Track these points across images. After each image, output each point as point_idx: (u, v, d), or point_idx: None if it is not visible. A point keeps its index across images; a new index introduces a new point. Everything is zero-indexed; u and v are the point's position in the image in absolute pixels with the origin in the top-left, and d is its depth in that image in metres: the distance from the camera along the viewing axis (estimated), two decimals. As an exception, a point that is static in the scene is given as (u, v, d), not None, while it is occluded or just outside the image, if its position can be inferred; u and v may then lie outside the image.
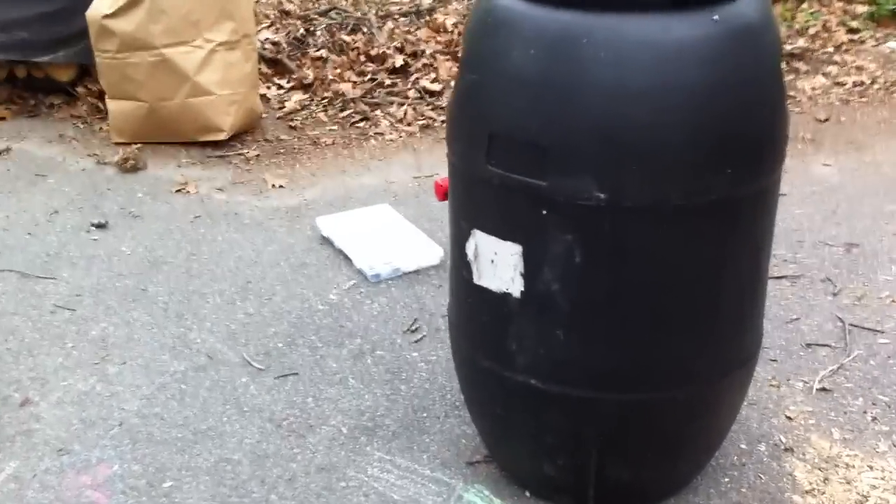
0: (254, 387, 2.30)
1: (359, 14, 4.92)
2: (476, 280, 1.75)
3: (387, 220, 3.01)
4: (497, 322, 1.75)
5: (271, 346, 2.46)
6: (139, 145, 3.62)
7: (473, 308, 1.81)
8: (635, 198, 1.57)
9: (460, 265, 1.79)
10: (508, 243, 1.67)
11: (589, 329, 1.68)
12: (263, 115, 3.92)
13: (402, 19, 4.94)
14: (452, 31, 4.71)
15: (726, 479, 2.00)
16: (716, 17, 1.54)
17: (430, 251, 2.79)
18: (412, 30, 4.81)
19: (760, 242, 1.75)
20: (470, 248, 1.74)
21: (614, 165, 1.56)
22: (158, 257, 2.89)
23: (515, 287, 1.69)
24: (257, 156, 3.61)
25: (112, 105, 3.72)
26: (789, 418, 2.18)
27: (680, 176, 1.57)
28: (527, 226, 1.64)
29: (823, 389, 2.28)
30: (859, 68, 4.45)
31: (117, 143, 3.68)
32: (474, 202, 1.74)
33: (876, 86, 4.29)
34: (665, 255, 1.62)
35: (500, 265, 1.70)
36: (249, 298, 2.66)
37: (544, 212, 1.61)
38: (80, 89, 4.11)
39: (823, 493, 1.96)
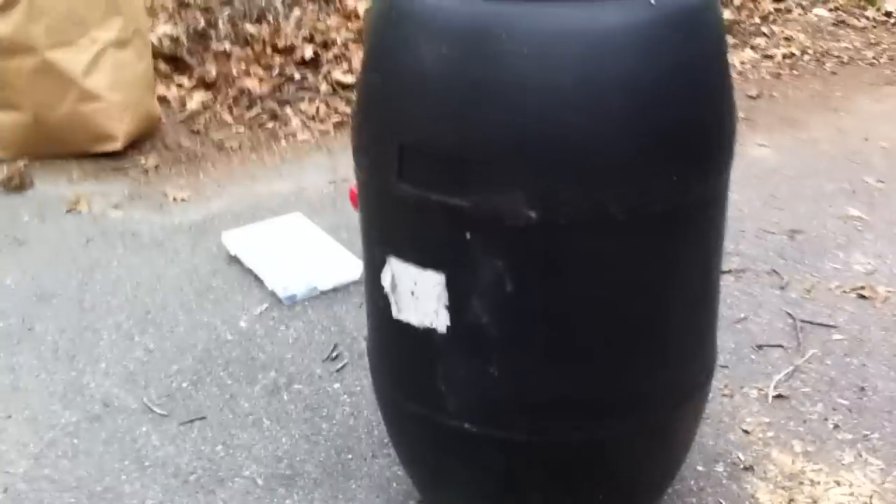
0: (156, 437, 2.04)
1: (263, 2, 4.62)
2: (395, 314, 1.52)
3: (300, 231, 2.76)
4: (422, 361, 1.53)
5: (174, 386, 2.19)
6: (26, 161, 3.30)
7: (395, 345, 1.59)
8: (570, 214, 1.36)
9: (376, 296, 1.56)
10: (430, 272, 1.44)
11: (525, 363, 1.47)
12: (162, 120, 3.61)
13: (311, 6, 4.66)
14: (365, 18, 4.46)
15: (683, 510, 1.81)
16: (652, 0, 1.34)
17: (349, 265, 2.55)
18: (321, 17, 4.53)
19: (712, 252, 1.56)
20: (386, 279, 1.51)
21: (544, 178, 1.34)
22: (47, 289, 2.59)
23: (440, 321, 1.47)
24: (156, 166, 3.32)
25: (-8, 117, 3.39)
26: (746, 432, 2.01)
27: (620, 185, 1.37)
28: (449, 252, 1.42)
29: (780, 396, 2.11)
30: (788, 39, 4.32)
31: (0, 160, 3.35)
32: (388, 225, 1.51)
33: (806, 57, 4.17)
34: (606, 275, 1.42)
35: (421, 297, 1.47)
36: (149, 332, 2.39)
37: (468, 235, 1.39)
38: (-42, 100, 3.75)
39: (791, 517, 1.79)
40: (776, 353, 2.26)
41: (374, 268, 1.54)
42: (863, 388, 2.14)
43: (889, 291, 2.49)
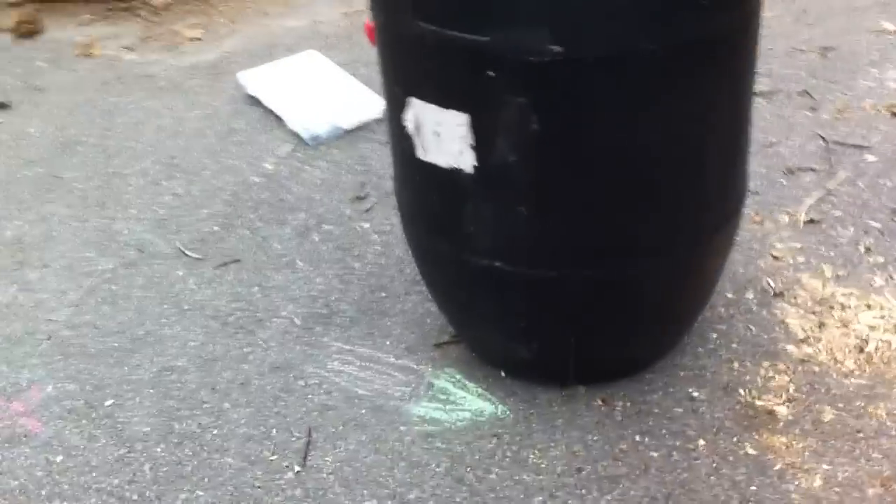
0: (192, 280, 2.08)
1: None
2: (420, 155, 1.51)
3: (318, 69, 2.71)
4: (450, 201, 1.53)
5: (206, 230, 2.22)
6: (35, 5, 3.22)
7: (422, 186, 1.58)
8: (597, 48, 1.32)
9: (400, 137, 1.54)
10: (452, 112, 1.42)
11: (554, 203, 1.46)
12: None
13: None
14: None
15: (714, 335, 1.84)
16: None
17: (371, 102, 2.51)
18: None
19: (745, 82, 1.51)
20: (408, 120, 1.48)
21: (567, 11, 1.29)
22: (70, 136, 2.59)
23: (466, 161, 1.45)
24: (167, 4, 3.23)
25: (-3, -41, 3.30)
26: (776, 258, 2.01)
27: (644, 15, 1.31)
28: (471, 91, 1.39)
29: (811, 221, 2.10)
30: None
31: (9, 4, 3.27)
32: (407, 66, 1.47)
33: None
34: (636, 112, 1.39)
35: (445, 138, 1.45)
36: (176, 177, 2.40)
37: (490, 73, 1.35)
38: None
39: (820, 339, 1.81)
40: (807, 176, 2.23)
41: (396, 109, 1.51)
42: (895, 212, 2.12)
43: (924, 107, 2.43)
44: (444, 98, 1.42)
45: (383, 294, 2.01)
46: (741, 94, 1.49)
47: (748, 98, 1.53)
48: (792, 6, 2.91)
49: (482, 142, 1.42)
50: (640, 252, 1.52)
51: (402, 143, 1.54)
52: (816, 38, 2.75)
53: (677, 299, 1.66)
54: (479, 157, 1.44)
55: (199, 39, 3.00)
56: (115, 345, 1.95)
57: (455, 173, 1.47)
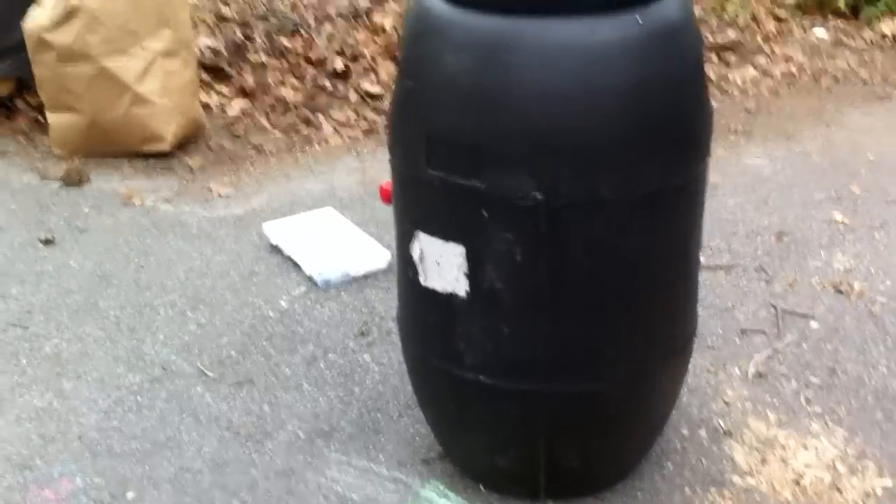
0: (209, 396, 2.34)
1: (297, 18, 4.94)
2: (423, 281, 1.81)
3: (333, 223, 3.06)
4: (445, 321, 1.81)
5: (224, 355, 2.49)
6: (82, 158, 3.61)
7: (421, 308, 1.87)
8: (569, 195, 1.64)
9: (406, 267, 1.85)
10: (452, 244, 1.73)
11: (532, 323, 1.75)
12: (205, 124, 3.93)
13: (340, 20, 4.97)
14: (391, 34, 4.76)
15: (669, 464, 2.08)
16: (639, 18, 1.62)
17: (378, 255, 2.84)
18: (351, 32, 4.84)
19: (691, 231, 1.83)
20: (415, 250, 1.79)
21: (548, 164, 1.63)
22: (107, 271, 2.90)
23: (460, 287, 1.75)
24: (201, 165, 3.63)
25: (52, 118, 3.70)
26: (727, 403, 2.28)
27: (610, 172, 1.65)
28: (468, 226, 1.71)
29: (759, 374, 2.38)
30: (788, 58, 4.59)
31: (59, 157, 3.67)
32: (417, 205, 1.79)
33: (804, 75, 4.43)
34: (601, 248, 1.70)
35: (444, 266, 1.76)
36: (200, 309, 2.69)
37: (484, 212, 1.67)
38: (18, 103, 4.07)
39: (761, 473, 2.06)
40: (758, 337, 2.53)
41: (405, 241, 1.83)
42: (834, 370, 2.40)
43: (864, 287, 2.75)
44: (446, 232, 1.73)
45: (379, 415, 2.26)
46: (686, 240, 1.81)
47: (694, 245, 1.85)
48: (753, 196, 3.29)
49: (475, 270, 1.72)
50: (604, 370, 1.79)
51: (408, 271, 1.84)
52: (774, 224, 3.12)
53: (638, 416, 1.92)
54: (472, 283, 1.74)
55: (229, 196, 3.37)
56: (138, 447, 2.18)
57: (451, 297, 1.77)
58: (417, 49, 1.74)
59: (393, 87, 1.92)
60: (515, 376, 1.80)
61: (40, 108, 3.87)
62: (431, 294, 1.80)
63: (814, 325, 2.58)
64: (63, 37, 3.57)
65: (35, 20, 3.60)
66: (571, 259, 1.69)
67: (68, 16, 3.56)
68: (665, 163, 1.68)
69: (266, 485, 2.05)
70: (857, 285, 2.75)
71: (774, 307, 2.65)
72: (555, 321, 1.74)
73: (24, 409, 2.30)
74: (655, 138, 1.66)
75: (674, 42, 1.69)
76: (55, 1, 3.56)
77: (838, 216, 3.15)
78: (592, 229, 1.67)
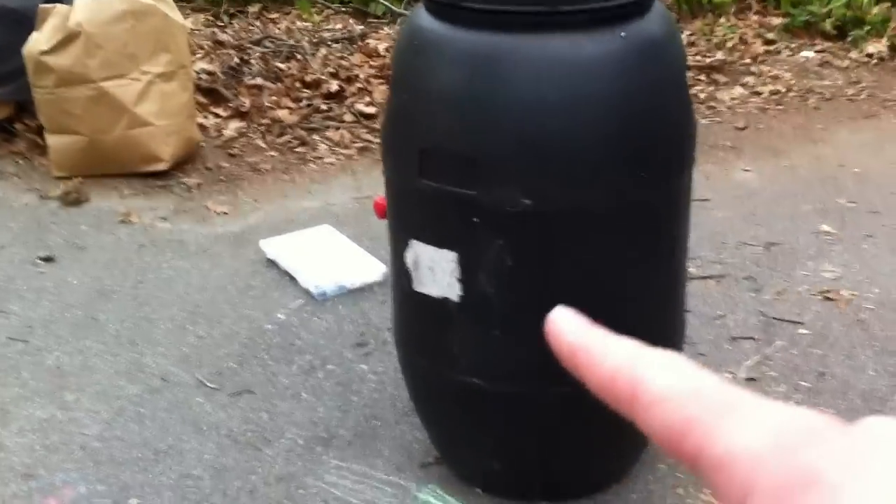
0: (209, 405, 2.38)
1: (292, 41, 5.02)
2: (416, 288, 1.86)
3: (329, 239, 3.11)
4: (438, 326, 1.87)
5: (224, 366, 2.53)
6: (81, 179, 3.67)
7: (415, 315, 1.93)
8: (558, 203, 1.70)
9: (401, 274, 1.90)
10: (444, 251, 1.78)
11: (523, 327, 1.79)
12: (202, 144, 3.99)
13: (335, 45, 5.06)
14: (385, 56, 4.84)
15: (663, 466, 2.13)
16: (623, 34, 1.69)
17: (373, 267, 2.90)
18: (345, 55, 4.92)
19: (677, 238, 1.89)
20: (409, 258, 1.85)
21: (537, 174, 1.69)
22: (106, 287, 2.95)
23: (453, 292, 1.80)
24: (198, 184, 3.68)
25: (52, 140, 3.76)
26: (718, 406, 2.32)
27: (597, 181, 1.71)
28: (460, 234, 1.76)
29: (749, 379, 2.43)
30: (775, 77, 4.67)
31: (58, 178, 3.72)
32: (410, 214, 1.85)
33: (791, 94, 4.51)
34: (589, 254, 1.76)
35: (437, 272, 1.81)
36: (199, 322, 2.74)
37: (475, 220, 1.73)
38: (17, 126, 4.14)
39: (750, 471, 2.10)
40: (748, 344, 2.58)
41: (399, 249, 1.88)
42: (822, 374, 2.46)
43: (852, 294, 2.81)
44: (439, 239, 1.79)
45: (377, 423, 2.30)
46: (674, 245, 1.87)
47: (680, 252, 1.91)
48: (742, 209, 3.36)
49: (467, 275, 1.78)
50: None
51: (402, 279, 1.90)
52: (762, 235, 3.18)
53: (628, 421, 1.97)
54: (464, 289, 1.79)
55: (226, 214, 3.42)
56: (140, 455, 2.22)
57: (444, 302, 1.82)
58: (411, 64, 1.80)
59: (386, 104, 1.98)
60: (508, 379, 1.85)
61: (39, 131, 3.93)
62: (425, 300, 1.85)
63: (802, 331, 2.64)
64: (63, 60, 3.64)
65: (35, 44, 3.66)
66: (560, 265, 1.75)
67: (68, 40, 3.63)
68: (650, 172, 1.75)
69: (266, 490, 2.09)
70: (845, 293, 2.81)
71: (764, 315, 2.71)
72: (544, 325, 1.78)
73: (28, 421, 2.34)
74: (640, 149, 1.73)
75: (656, 56, 1.75)
76: (55, 25, 3.63)
77: (826, 227, 3.21)
78: (580, 236, 1.73)
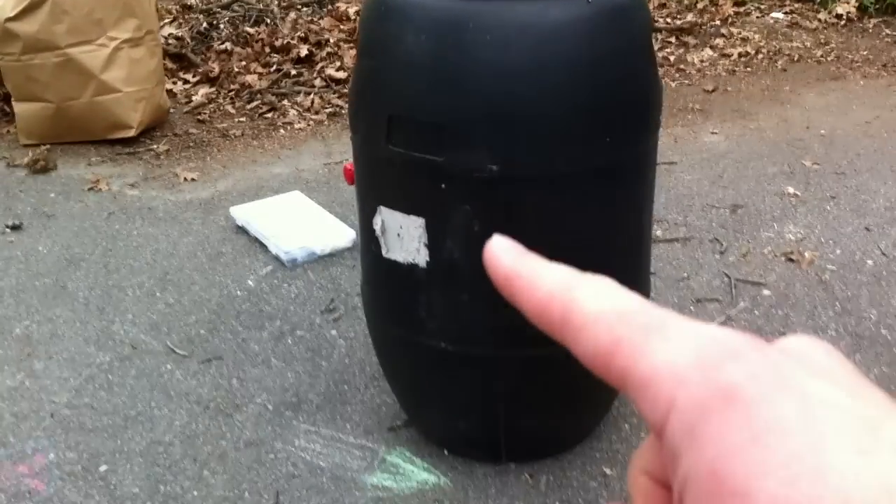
0: (179, 373, 2.39)
1: (261, 6, 4.98)
2: (385, 254, 1.87)
3: (299, 206, 3.11)
4: (406, 291, 1.88)
5: (193, 333, 2.54)
6: (48, 146, 3.64)
7: (384, 280, 1.94)
8: (525, 168, 1.71)
9: (369, 241, 1.91)
10: (412, 217, 1.79)
11: (490, 291, 1.81)
12: (171, 110, 3.96)
13: (305, 9, 5.01)
14: (355, 20, 4.81)
15: (626, 426, 2.17)
16: (588, -1, 1.69)
17: (343, 234, 2.90)
18: (315, 19, 4.88)
19: (643, 201, 1.91)
20: (377, 224, 1.86)
21: (504, 139, 1.70)
22: (75, 255, 2.94)
23: (421, 258, 1.82)
24: (167, 150, 3.66)
25: (19, 107, 3.73)
26: (683, 366, 2.36)
27: (563, 145, 1.72)
28: (428, 199, 1.77)
29: (713, 339, 2.46)
30: (745, 39, 4.69)
31: (26, 145, 3.69)
32: (379, 181, 1.86)
33: (760, 56, 4.53)
34: (556, 218, 1.77)
35: (405, 238, 1.82)
36: (168, 289, 2.74)
37: (443, 185, 1.74)
38: (-18, 94, 4.09)
39: (714, 430, 2.14)
40: (712, 305, 2.62)
41: (367, 217, 1.89)
42: (784, 334, 2.48)
43: (814, 255, 2.85)
44: (407, 205, 1.79)
45: (346, 387, 2.32)
46: (640, 207, 1.89)
47: (646, 214, 1.93)
48: (710, 172, 3.39)
49: (434, 241, 1.79)
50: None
51: (371, 245, 1.91)
52: (728, 197, 3.21)
53: (595, 383, 2.00)
54: (432, 254, 1.80)
55: (195, 180, 3.41)
56: (110, 422, 2.23)
57: (412, 268, 1.84)
58: (378, 31, 1.80)
59: (353, 71, 1.98)
60: (474, 342, 1.87)
61: (6, 98, 3.89)
62: (394, 265, 1.86)
63: (766, 292, 2.68)
64: (28, 27, 3.59)
65: (0, 10, 3.61)
66: (527, 229, 1.76)
67: (34, 6, 3.58)
68: (616, 136, 1.76)
69: (236, 455, 2.11)
70: (807, 254, 2.85)
71: (728, 276, 2.75)
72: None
73: (-3, 389, 2.34)
74: (606, 113, 1.74)
75: (622, 21, 1.76)
76: (19, -10, 3.58)
77: (791, 189, 3.25)
78: (547, 201, 1.74)
